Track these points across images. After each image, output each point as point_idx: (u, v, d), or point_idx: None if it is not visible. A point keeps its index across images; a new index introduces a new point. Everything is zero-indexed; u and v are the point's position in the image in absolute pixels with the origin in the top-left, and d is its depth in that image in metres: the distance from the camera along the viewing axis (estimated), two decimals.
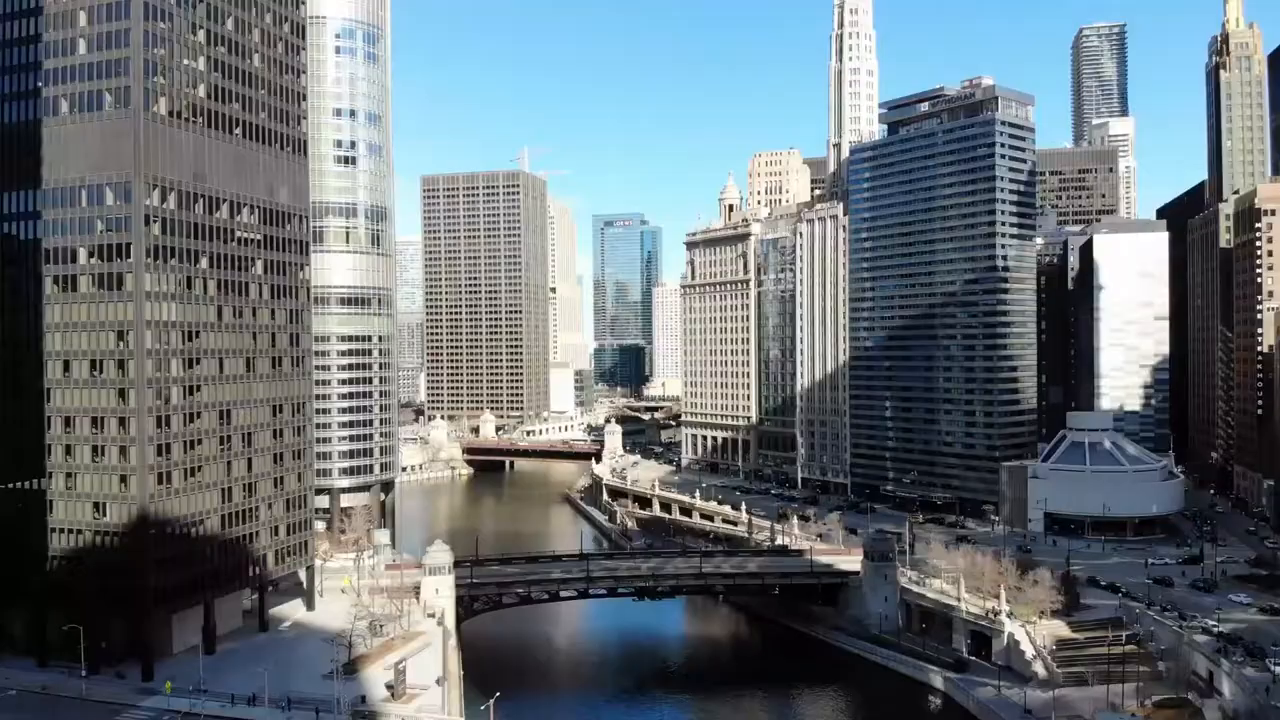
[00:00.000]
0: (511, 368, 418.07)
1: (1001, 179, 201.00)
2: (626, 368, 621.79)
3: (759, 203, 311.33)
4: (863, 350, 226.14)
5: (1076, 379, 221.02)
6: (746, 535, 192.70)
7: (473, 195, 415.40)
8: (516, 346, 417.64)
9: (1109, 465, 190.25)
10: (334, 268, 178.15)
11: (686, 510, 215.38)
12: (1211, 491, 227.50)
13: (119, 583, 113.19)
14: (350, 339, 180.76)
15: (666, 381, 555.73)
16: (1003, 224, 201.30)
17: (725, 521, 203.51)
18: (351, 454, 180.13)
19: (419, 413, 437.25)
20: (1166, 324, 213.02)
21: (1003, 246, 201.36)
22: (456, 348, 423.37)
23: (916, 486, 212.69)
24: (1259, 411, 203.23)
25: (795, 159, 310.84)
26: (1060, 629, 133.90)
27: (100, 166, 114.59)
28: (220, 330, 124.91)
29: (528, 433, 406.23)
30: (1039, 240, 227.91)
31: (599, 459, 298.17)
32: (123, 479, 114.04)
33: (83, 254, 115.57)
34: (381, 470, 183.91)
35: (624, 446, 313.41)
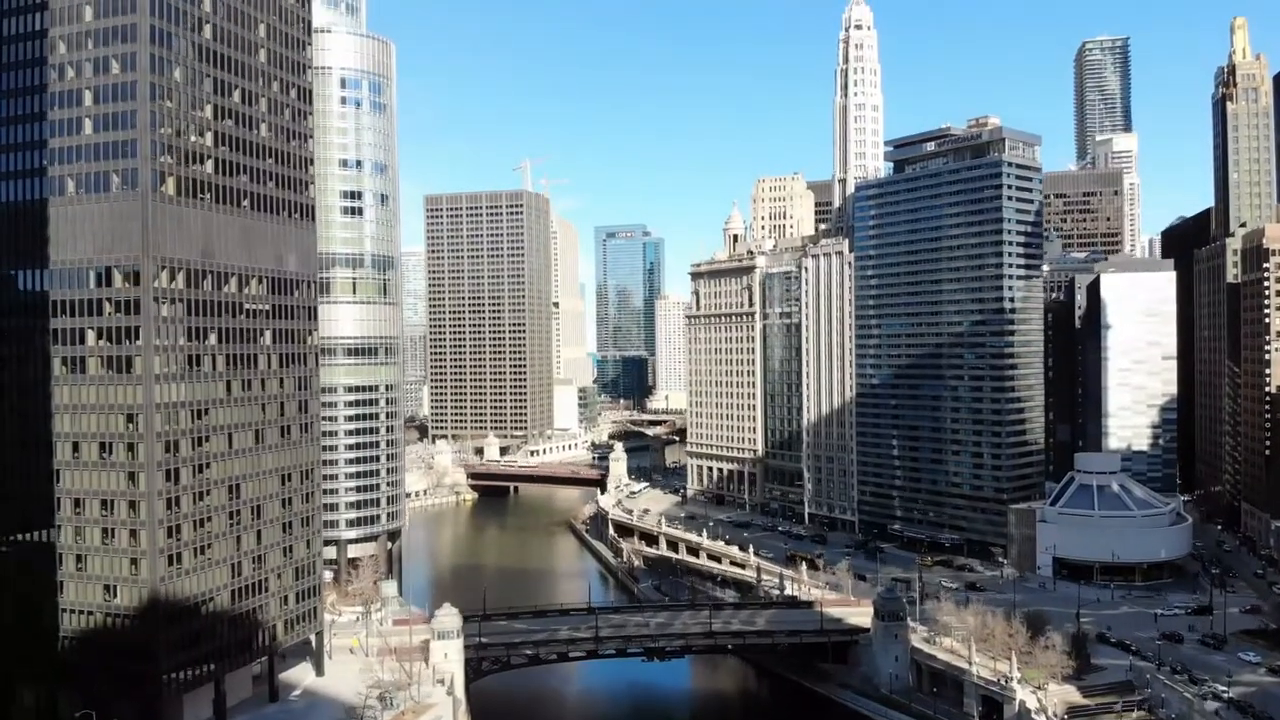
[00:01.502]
0: (515, 386, 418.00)
1: (1009, 220, 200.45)
2: (629, 378, 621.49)
3: (762, 228, 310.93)
4: (869, 387, 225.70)
5: (1084, 417, 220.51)
6: (754, 580, 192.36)
7: (476, 214, 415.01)
8: (520, 365, 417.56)
9: (1117, 509, 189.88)
10: (341, 319, 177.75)
11: (694, 550, 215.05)
12: (1219, 527, 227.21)
13: (130, 665, 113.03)
14: (357, 389, 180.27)
15: (670, 394, 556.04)
16: (1010, 265, 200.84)
17: (733, 564, 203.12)
18: (359, 504, 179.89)
19: (422, 431, 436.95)
20: (1174, 364, 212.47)
21: (1010, 288, 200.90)
22: (460, 366, 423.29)
23: (924, 527, 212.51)
24: (1267, 452, 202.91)
25: (799, 184, 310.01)
26: (1071, 694, 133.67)
27: (108, 248, 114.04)
28: (229, 405, 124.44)
29: (531, 452, 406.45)
30: (1045, 268, 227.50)
31: (603, 487, 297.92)
32: (133, 562, 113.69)
33: (91, 336, 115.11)
34: (388, 520, 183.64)
35: (629, 470, 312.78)
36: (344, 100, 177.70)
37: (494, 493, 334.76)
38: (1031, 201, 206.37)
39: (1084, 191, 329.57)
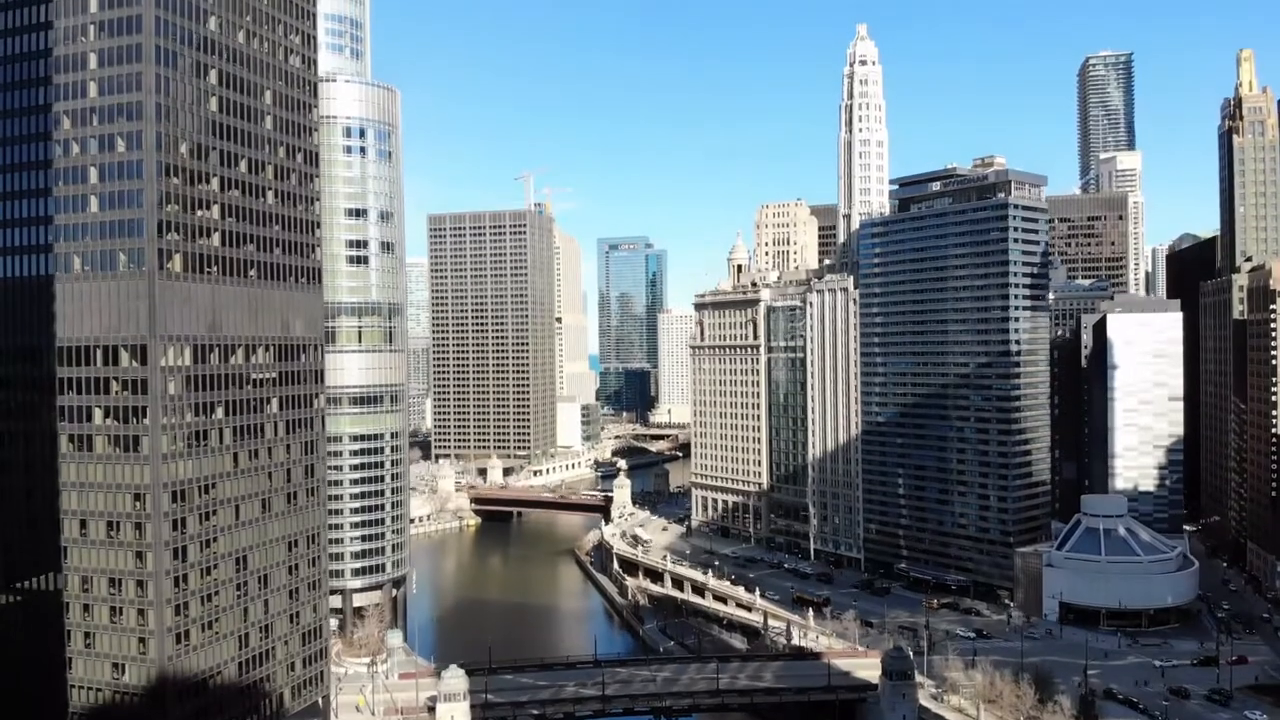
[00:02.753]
0: (518, 404, 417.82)
1: (1015, 262, 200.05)
2: (632, 391, 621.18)
3: (766, 254, 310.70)
4: (875, 425, 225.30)
5: (1090, 457, 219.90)
6: (761, 624, 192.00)
7: (479, 233, 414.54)
8: (523, 383, 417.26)
9: (1123, 554, 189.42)
10: (346, 368, 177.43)
11: (699, 589, 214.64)
12: (1225, 564, 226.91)
13: None
14: (362, 438, 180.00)
15: (673, 408, 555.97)
16: (1016, 307, 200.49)
17: (739, 606, 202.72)
18: (364, 554, 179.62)
19: (425, 449, 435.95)
20: (1181, 405, 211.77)
21: (1016, 330, 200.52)
22: (463, 385, 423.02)
23: (930, 567, 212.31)
24: (1273, 494, 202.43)
25: (803, 211, 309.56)
26: None
27: (115, 327, 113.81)
28: (236, 476, 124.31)
29: (535, 472, 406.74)
30: (1051, 296, 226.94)
31: (607, 516, 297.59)
32: (141, 641, 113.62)
33: (98, 414, 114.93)
34: (394, 568, 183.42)
35: (632, 494, 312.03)
36: (349, 149, 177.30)
37: (497, 517, 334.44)
38: (1037, 242, 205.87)
39: (1088, 216, 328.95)
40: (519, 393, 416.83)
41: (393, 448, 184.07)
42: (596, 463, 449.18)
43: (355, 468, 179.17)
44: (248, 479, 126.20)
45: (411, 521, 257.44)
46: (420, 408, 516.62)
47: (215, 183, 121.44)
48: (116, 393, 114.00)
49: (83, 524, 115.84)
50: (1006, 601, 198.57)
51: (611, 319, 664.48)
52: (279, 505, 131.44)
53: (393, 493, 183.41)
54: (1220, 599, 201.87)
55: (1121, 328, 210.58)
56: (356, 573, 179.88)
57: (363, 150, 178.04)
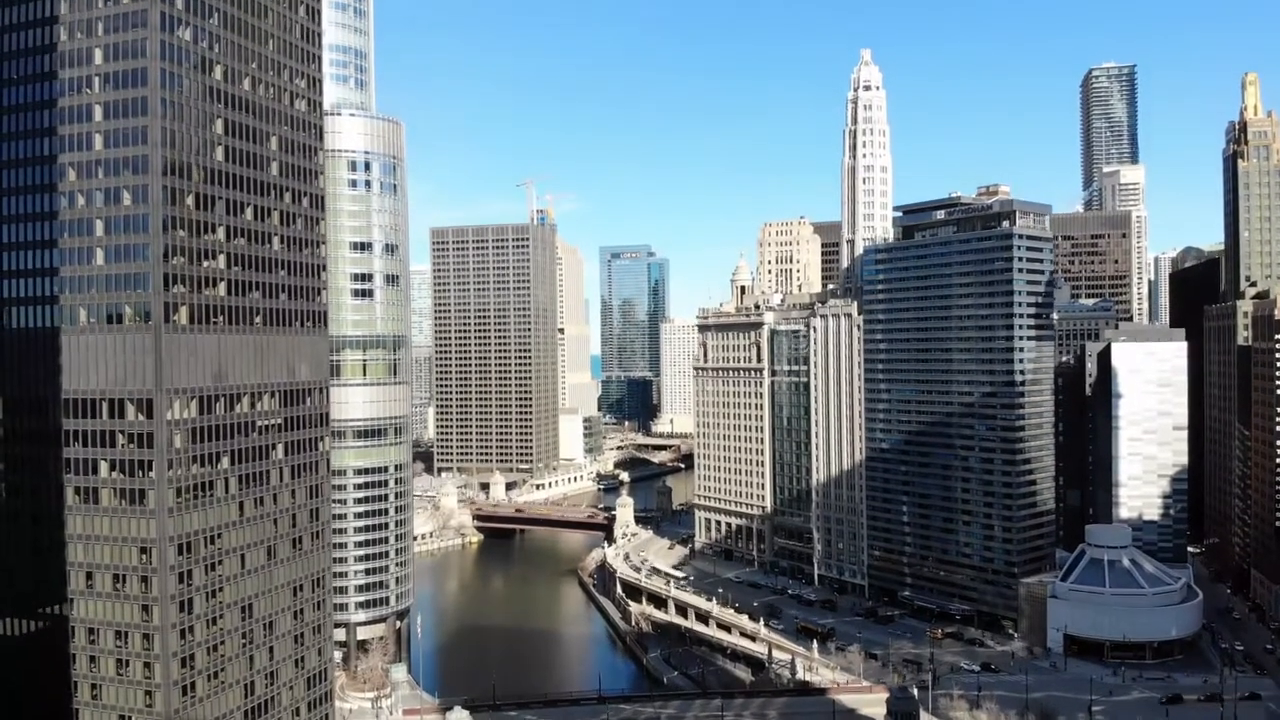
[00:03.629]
0: (521, 417, 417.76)
1: (1019, 292, 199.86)
2: (634, 400, 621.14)
3: (769, 272, 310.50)
4: (879, 452, 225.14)
5: (1095, 485, 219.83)
6: (765, 655, 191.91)
7: (482, 247, 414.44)
8: (526, 396, 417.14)
9: (1128, 586, 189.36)
10: (350, 401, 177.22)
11: (703, 617, 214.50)
12: (1229, 590, 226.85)
13: None
14: (366, 471, 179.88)
15: (675, 418, 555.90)
16: (1021, 337, 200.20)
17: (744, 635, 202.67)
18: (367, 587, 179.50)
19: (427, 461, 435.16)
20: (1185, 434, 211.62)
21: (1021, 360, 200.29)
22: (466, 398, 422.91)
23: (934, 595, 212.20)
24: (1278, 524, 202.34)
25: (805, 229, 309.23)
26: None
27: (121, 381, 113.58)
28: (242, 525, 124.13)
29: (537, 486, 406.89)
30: (1055, 315, 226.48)
31: (610, 535, 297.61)
32: (148, 694, 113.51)
33: (104, 467, 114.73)
34: (397, 600, 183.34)
35: (635, 512, 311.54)
36: (354, 183, 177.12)
37: (500, 534, 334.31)
38: (1042, 272, 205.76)
39: (1092, 234, 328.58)
40: (521, 406, 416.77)
41: (397, 480, 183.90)
42: (599, 475, 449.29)
43: (359, 501, 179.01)
44: (253, 527, 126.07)
45: (414, 539, 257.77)
46: (423, 417, 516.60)
47: (221, 232, 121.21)
48: (122, 446, 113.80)
49: (89, 576, 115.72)
50: (1011, 632, 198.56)
51: (614, 328, 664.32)
52: (284, 551, 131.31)
53: (397, 525, 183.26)
54: (1224, 628, 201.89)
55: (1126, 356, 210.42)
56: (360, 605, 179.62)
57: (367, 184, 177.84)
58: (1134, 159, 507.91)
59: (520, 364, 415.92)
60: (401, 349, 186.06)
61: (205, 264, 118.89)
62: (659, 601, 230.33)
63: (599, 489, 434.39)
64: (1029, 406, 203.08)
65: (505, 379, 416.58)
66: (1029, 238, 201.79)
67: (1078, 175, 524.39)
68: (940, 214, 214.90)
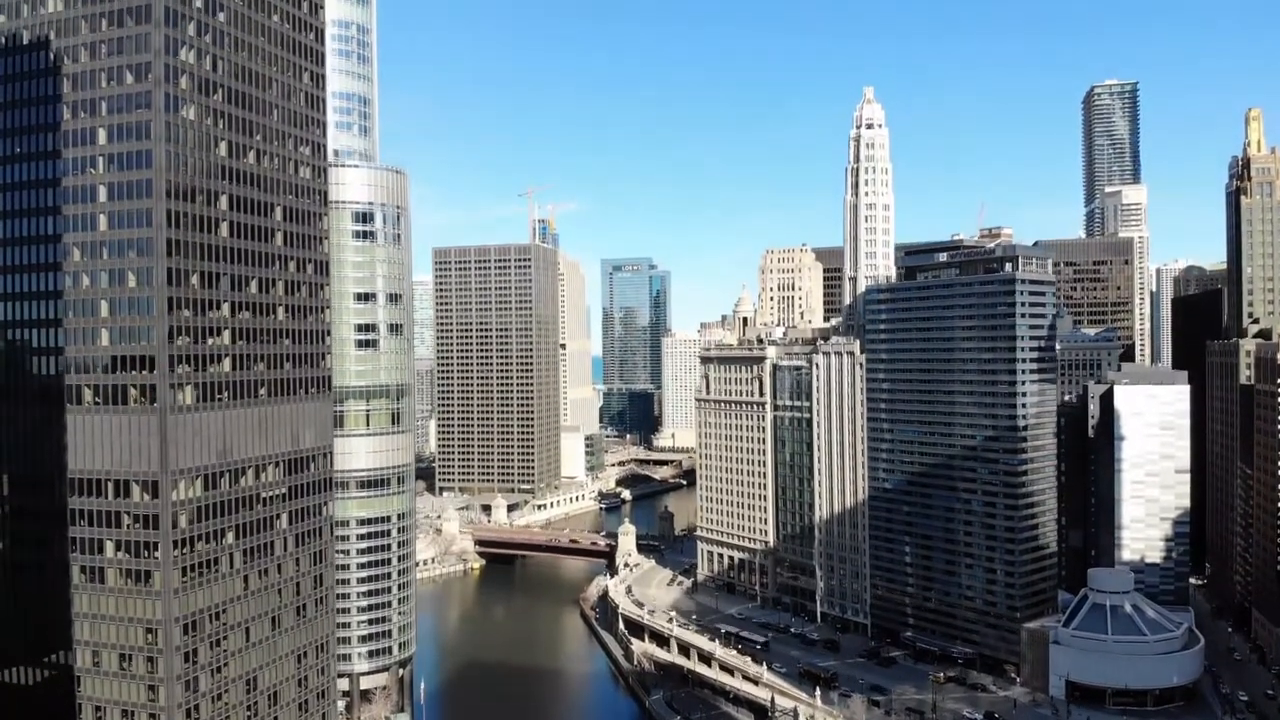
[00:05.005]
0: (523, 437, 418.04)
1: (1022, 337, 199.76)
2: (636, 412, 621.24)
3: (771, 299, 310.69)
4: (881, 491, 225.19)
5: (1097, 526, 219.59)
6: (768, 701, 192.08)
7: (484, 267, 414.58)
8: (528, 416, 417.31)
9: (1130, 633, 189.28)
10: (354, 452, 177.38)
11: (706, 658, 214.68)
12: (1229, 629, 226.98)
13: None
14: (369, 521, 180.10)
15: (676, 432, 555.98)
16: (1023, 382, 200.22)
17: (746, 679, 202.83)
18: (370, 637, 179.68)
19: (429, 479, 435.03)
20: (1187, 477, 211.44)
21: (1024, 405, 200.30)
22: (468, 418, 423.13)
23: (936, 637, 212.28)
24: (1278, 567, 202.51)
25: (808, 257, 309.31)
26: None
27: (125, 462, 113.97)
28: (246, 599, 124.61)
29: (539, 506, 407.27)
30: (1057, 346, 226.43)
31: (612, 563, 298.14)
32: None
33: (110, 546, 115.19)
34: (400, 649, 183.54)
35: (637, 538, 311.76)
36: (358, 234, 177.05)
37: (502, 559, 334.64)
38: (1044, 316, 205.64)
39: (1094, 260, 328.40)
40: (523, 425, 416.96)
41: (400, 529, 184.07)
42: (600, 494, 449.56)
43: (362, 551, 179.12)
44: (257, 599, 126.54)
45: (416, 565, 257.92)
46: (424, 430, 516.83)
47: (226, 308, 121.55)
48: (128, 526, 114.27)
49: (95, 655, 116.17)
50: (1014, 676, 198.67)
51: (615, 340, 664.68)
52: (288, 620, 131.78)
53: (399, 574, 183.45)
54: (1226, 670, 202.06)
55: (1129, 399, 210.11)
56: (363, 656, 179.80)
57: (371, 235, 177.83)
58: (1136, 177, 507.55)
59: (522, 383, 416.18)
60: (405, 397, 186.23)
61: (210, 341, 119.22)
62: (661, 640, 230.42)
63: (601, 508, 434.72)
64: (1032, 450, 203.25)
65: (507, 399, 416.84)
66: (1032, 282, 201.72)
67: (1079, 192, 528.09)
68: (943, 256, 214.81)
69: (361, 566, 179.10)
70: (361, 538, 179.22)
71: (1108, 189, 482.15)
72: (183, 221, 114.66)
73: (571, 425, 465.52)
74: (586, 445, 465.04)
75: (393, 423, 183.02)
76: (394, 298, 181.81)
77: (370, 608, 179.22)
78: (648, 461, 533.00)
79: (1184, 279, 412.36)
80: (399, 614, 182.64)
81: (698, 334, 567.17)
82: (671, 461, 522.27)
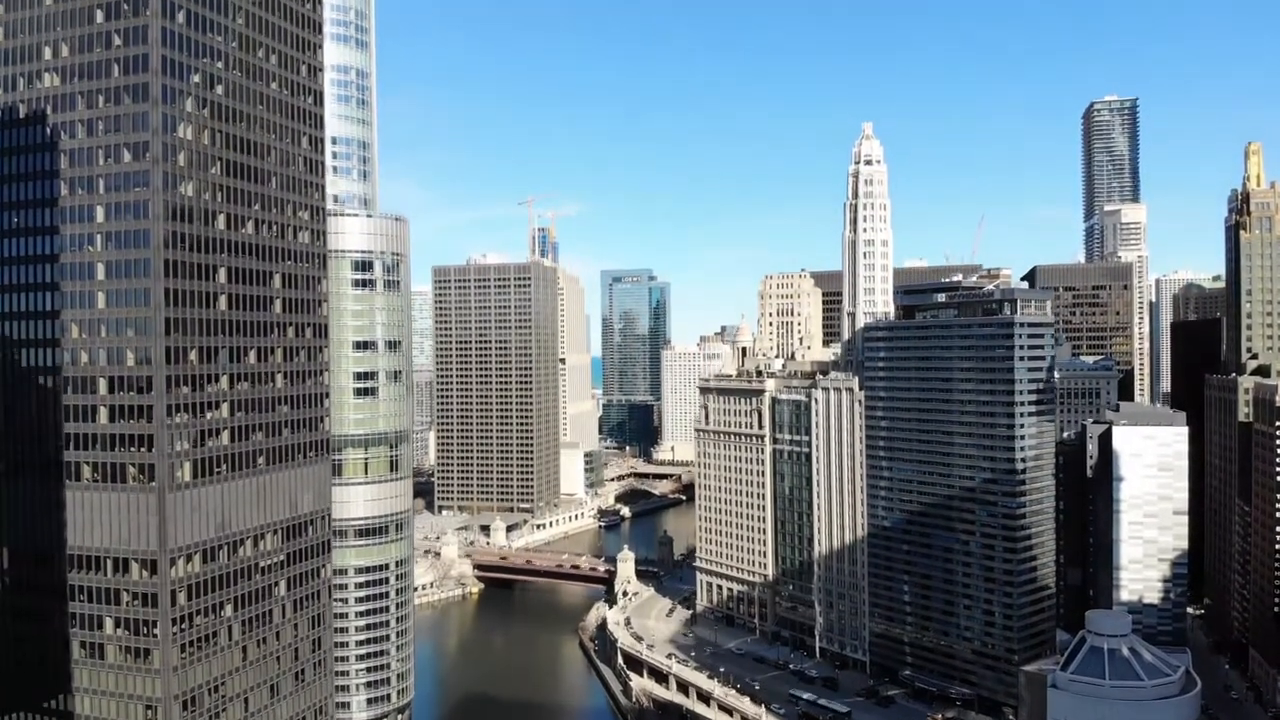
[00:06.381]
0: (522, 455, 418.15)
1: (1020, 380, 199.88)
2: (636, 423, 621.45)
3: (770, 324, 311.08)
4: (880, 529, 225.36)
5: (1095, 566, 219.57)
6: None
7: (484, 286, 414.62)
8: (527, 434, 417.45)
9: (1128, 677, 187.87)
10: (352, 500, 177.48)
11: (705, 697, 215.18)
12: (1227, 665, 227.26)
13: None
14: (367, 570, 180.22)
15: (676, 445, 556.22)
16: (1022, 425, 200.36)
17: None
18: (369, 685, 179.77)
19: (428, 497, 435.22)
20: (1185, 519, 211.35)
21: (1022, 448, 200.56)
22: (467, 436, 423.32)
23: (935, 677, 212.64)
24: (1276, 609, 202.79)
25: (806, 282, 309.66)
26: None
27: (124, 540, 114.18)
28: (245, 669, 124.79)
29: (538, 526, 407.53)
30: (1056, 375, 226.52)
31: (611, 590, 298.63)
32: None
33: (109, 623, 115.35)
34: (399, 696, 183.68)
35: (635, 566, 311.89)
36: (356, 283, 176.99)
37: (501, 583, 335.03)
38: (1043, 358, 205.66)
39: (1093, 285, 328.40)
40: (522, 443, 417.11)
41: (398, 576, 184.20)
42: (600, 511, 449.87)
43: (360, 600, 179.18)
44: (256, 668, 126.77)
45: (415, 590, 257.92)
46: (423, 440, 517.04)
47: (224, 381, 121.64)
48: (127, 604, 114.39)
49: None
50: (1012, 718, 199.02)
51: (615, 351, 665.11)
52: (287, 687, 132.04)
53: (398, 621, 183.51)
54: (1223, 711, 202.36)
55: (1127, 440, 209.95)
56: (362, 705, 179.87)
57: (370, 283, 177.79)
58: (1135, 194, 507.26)
59: (522, 402, 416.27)
60: (403, 444, 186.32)
61: (209, 415, 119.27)
62: (660, 676, 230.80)
63: (600, 526, 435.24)
64: (1031, 492, 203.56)
65: (506, 417, 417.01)
66: (1030, 325, 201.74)
67: (1079, 209, 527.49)
68: (941, 296, 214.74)
69: (360, 615, 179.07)
70: (360, 585, 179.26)
71: (1107, 207, 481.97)
72: (181, 299, 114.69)
73: (571, 442, 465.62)
74: (586, 462, 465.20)
75: (391, 469, 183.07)
76: (393, 345, 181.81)
77: (369, 655, 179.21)
78: (647, 475, 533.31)
79: (1183, 297, 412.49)
80: (397, 661, 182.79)
81: (697, 347, 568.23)
82: (671, 475, 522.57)
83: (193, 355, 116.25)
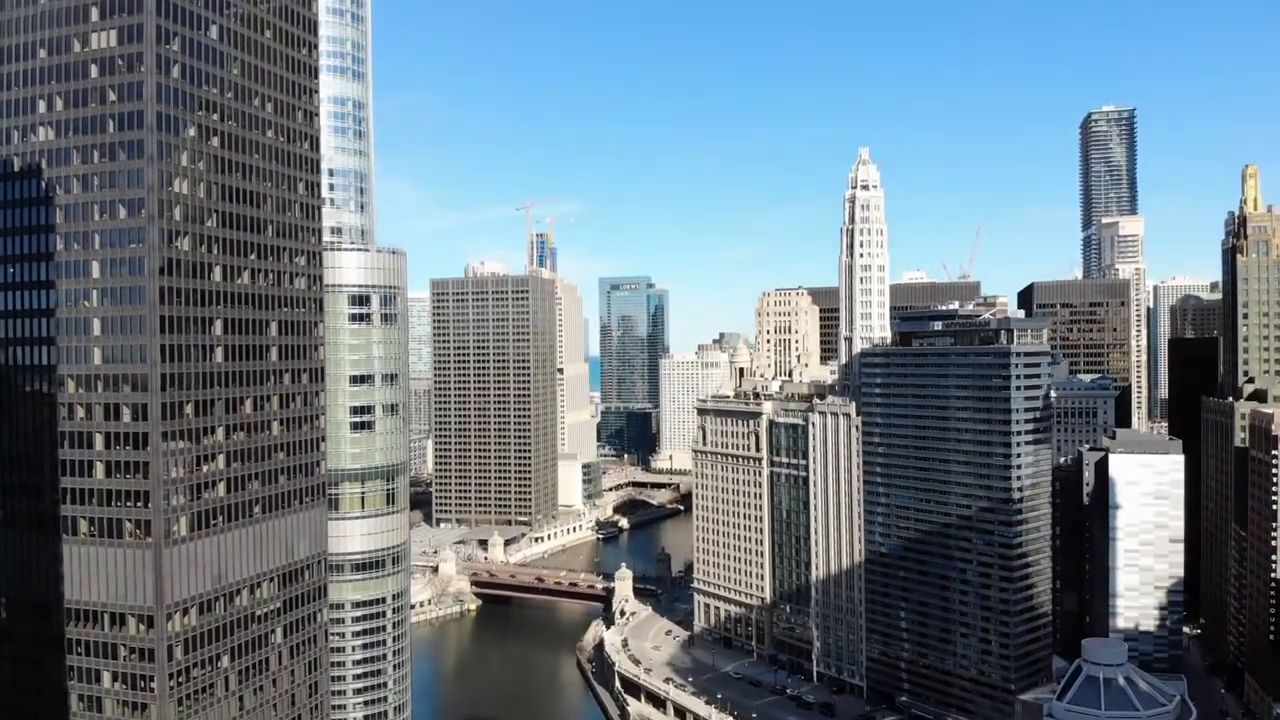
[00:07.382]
0: (520, 466, 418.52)
1: (1017, 409, 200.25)
2: (634, 431, 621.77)
3: (768, 341, 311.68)
4: (878, 555, 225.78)
5: (1092, 593, 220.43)
6: None
7: (482, 298, 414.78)
8: (525, 445, 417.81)
9: (1124, 707, 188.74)
10: (348, 535, 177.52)
11: None
12: (1223, 690, 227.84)
13: None
14: (363, 604, 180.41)
15: (674, 453, 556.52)
16: (1018, 454, 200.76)
17: None
18: (367, 719, 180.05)
19: (425, 508, 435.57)
20: (1181, 546, 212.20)
21: (1019, 477, 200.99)
22: (465, 447, 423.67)
23: (931, 704, 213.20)
24: (1271, 636, 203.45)
25: (804, 300, 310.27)
26: None
27: (121, 595, 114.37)
28: (242, 718, 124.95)
29: (536, 539, 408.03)
30: (1053, 394, 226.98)
31: (609, 608, 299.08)
32: None
33: (106, 677, 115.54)
34: None
35: (633, 584, 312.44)
36: (354, 317, 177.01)
37: (499, 600, 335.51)
38: (1039, 386, 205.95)
39: (1090, 302, 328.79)
40: (520, 455, 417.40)
41: (395, 609, 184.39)
42: (598, 522, 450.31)
43: (357, 634, 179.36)
44: (253, 717, 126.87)
45: (412, 608, 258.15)
46: (421, 449, 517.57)
47: (220, 432, 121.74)
48: (124, 659, 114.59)
49: None
50: None
51: (613, 359, 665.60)
52: None
53: (394, 655, 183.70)
54: None
55: (1123, 468, 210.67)
56: None
57: (368, 317, 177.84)
58: (1133, 203, 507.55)
59: (519, 413, 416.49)
60: (399, 476, 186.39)
61: (205, 468, 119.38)
62: (658, 701, 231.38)
63: (598, 538, 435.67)
64: (1027, 521, 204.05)
65: (504, 429, 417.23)
66: (1027, 354, 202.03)
67: (1077, 218, 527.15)
68: (938, 325, 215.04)
69: (357, 649, 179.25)
70: (357, 620, 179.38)
71: (1105, 219, 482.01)
72: (177, 354, 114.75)
73: (569, 453, 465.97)
74: (584, 473, 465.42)
75: (388, 503, 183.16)
76: (389, 378, 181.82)
77: (366, 689, 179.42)
78: (645, 485, 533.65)
79: (1181, 309, 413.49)
80: (395, 694, 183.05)
81: (695, 355, 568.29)
82: (669, 485, 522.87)
83: (189, 409, 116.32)
